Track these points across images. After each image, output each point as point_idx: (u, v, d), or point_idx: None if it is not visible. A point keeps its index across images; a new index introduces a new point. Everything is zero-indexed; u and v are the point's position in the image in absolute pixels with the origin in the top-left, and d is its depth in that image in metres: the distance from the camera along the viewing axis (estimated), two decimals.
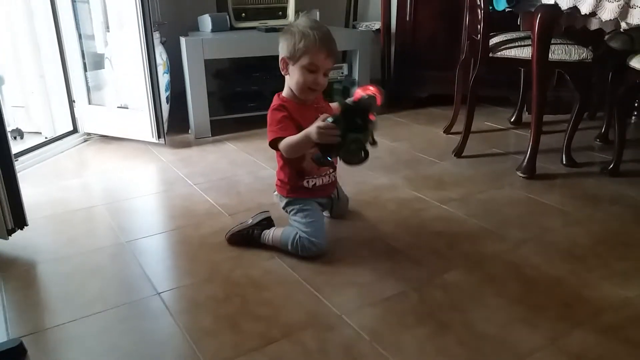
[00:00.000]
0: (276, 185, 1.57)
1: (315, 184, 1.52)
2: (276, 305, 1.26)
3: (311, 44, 1.37)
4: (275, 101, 1.48)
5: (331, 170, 1.56)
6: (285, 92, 1.49)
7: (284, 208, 1.56)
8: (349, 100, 1.29)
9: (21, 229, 1.54)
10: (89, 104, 2.49)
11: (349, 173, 2.08)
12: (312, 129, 1.30)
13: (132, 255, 1.50)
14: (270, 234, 1.51)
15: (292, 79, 1.44)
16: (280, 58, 1.45)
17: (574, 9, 1.73)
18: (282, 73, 1.47)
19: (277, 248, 1.49)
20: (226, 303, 1.27)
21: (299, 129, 1.39)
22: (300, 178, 1.50)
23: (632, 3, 1.58)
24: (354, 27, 3.29)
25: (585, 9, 1.68)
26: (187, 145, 2.46)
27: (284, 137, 1.39)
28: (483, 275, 1.38)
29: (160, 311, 1.25)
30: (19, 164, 2.08)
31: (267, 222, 1.55)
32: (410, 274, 1.36)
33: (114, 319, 1.22)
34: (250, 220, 1.56)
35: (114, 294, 1.32)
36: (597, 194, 1.89)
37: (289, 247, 1.46)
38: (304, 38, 1.37)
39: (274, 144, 1.43)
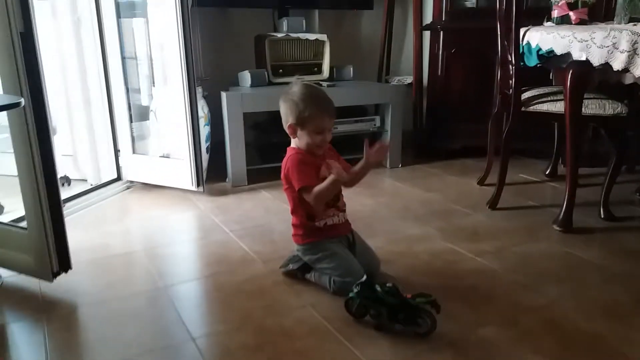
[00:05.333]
0: (292, 235, 1.65)
1: (326, 223, 1.60)
2: (307, 355, 1.26)
3: (315, 110, 1.52)
4: (292, 151, 1.59)
5: (339, 212, 1.63)
6: (295, 145, 1.61)
7: (307, 260, 1.61)
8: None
9: (65, 272, 1.60)
10: (133, 153, 2.61)
11: (380, 222, 2.11)
12: (335, 175, 1.45)
13: (169, 300, 1.53)
14: (313, 275, 1.61)
15: (301, 141, 1.57)
16: (287, 124, 1.57)
17: (606, 65, 1.75)
18: (291, 137, 1.60)
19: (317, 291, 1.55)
20: (258, 352, 1.28)
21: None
22: (311, 219, 1.59)
23: None
24: (386, 81, 3.38)
25: (617, 66, 1.70)
26: (224, 193, 2.54)
27: (312, 186, 1.50)
28: (519, 331, 1.36)
29: (193, 356, 1.26)
30: (65, 210, 2.17)
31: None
32: (445, 328, 1.34)
33: None
34: (291, 266, 1.65)
35: (150, 337, 1.35)
36: (636, 250, 1.84)
37: (331, 290, 1.54)
38: (308, 106, 1.51)
39: (302, 191, 1.52)
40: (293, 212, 1.63)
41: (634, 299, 1.51)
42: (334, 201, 1.61)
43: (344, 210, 1.65)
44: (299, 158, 1.55)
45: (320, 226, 1.59)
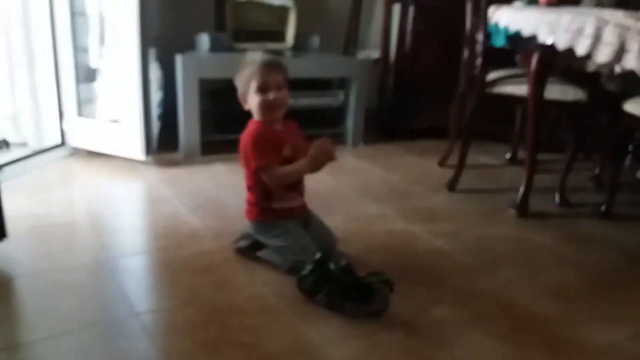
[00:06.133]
0: (245, 211, 1.58)
1: (283, 206, 1.54)
2: (258, 332, 1.22)
3: (254, 68, 1.47)
4: (252, 125, 1.52)
5: (298, 196, 1.58)
6: (255, 115, 1.53)
7: (259, 237, 1.55)
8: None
9: (0, 241, 1.49)
10: (79, 115, 2.46)
11: (340, 200, 2.07)
12: (308, 159, 1.42)
13: (112, 274, 1.45)
14: (265, 253, 1.55)
15: (253, 107, 1.50)
16: (238, 95, 1.53)
17: (571, 50, 1.74)
18: (245, 108, 1.54)
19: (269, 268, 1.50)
20: (206, 328, 1.23)
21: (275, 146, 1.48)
22: (268, 200, 1.52)
23: (626, 47, 1.59)
24: (353, 54, 3.30)
25: (581, 50, 1.69)
26: (175, 164, 2.42)
27: (271, 164, 1.44)
28: (471, 311, 1.35)
29: (137, 333, 1.20)
30: (2, 175, 2.03)
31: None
32: (398, 308, 1.32)
33: (89, 338, 1.18)
34: (242, 242, 1.59)
35: (92, 312, 1.27)
36: (589, 236, 1.87)
37: (283, 269, 1.48)
38: (247, 67, 1.48)
39: (259, 170, 1.46)
40: (250, 188, 1.55)
41: (583, 282, 1.54)
42: (296, 184, 1.55)
43: (303, 194, 1.60)
44: (259, 133, 1.48)
45: (277, 207, 1.53)
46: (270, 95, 1.46)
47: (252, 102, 1.49)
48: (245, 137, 1.50)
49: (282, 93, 1.49)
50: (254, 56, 1.51)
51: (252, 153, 1.46)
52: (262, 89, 1.46)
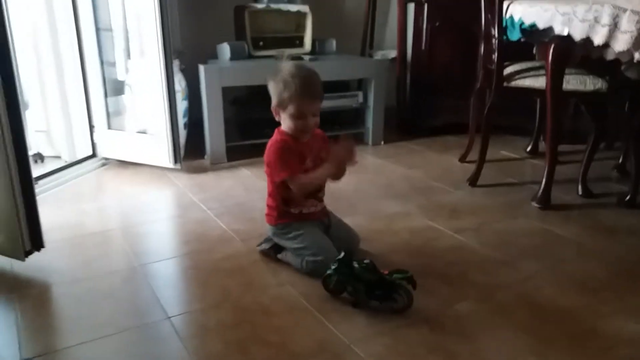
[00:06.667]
0: (265, 215, 1.62)
1: (301, 211, 1.58)
2: (285, 332, 1.26)
3: (293, 93, 1.44)
4: (276, 136, 1.54)
5: (317, 202, 1.61)
6: (283, 127, 1.55)
7: (278, 240, 1.60)
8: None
9: (38, 251, 1.57)
10: (108, 128, 2.55)
11: (362, 200, 2.10)
12: (327, 166, 1.45)
13: (145, 279, 1.51)
14: (285, 256, 1.59)
15: (284, 124, 1.52)
16: (272, 106, 1.52)
17: (588, 40, 1.73)
18: (276, 119, 1.55)
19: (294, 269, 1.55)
20: (236, 329, 1.27)
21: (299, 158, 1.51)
22: (287, 205, 1.56)
23: None
24: (370, 55, 3.33)
25: (598, 40, 1.69)
26: (202, 170, 2.50)
27: (295, 175, 1.47)
28: (494, 305, 1.37)
29: (169, 335, 1.25)
30: (38, 187, 2.13)
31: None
32: (422, 304, 1.34)
33: (124, 342, 1.23)
34: (264, 245, 1.64)
35: (125, 317, 1.33)
36: (613, 226, 1.86)
37: (303, 271, 1.52)
38: (287, 87, 1.44)
39: (287, 180, 1.49)
40: (270, 194, 1.60)
41: (607, 274, 1.53)
42: (315, 191, 1.58)
43: (322, 200, 1.63)
44: (282, 146, 1.49)
45: (295, 212, 1.57)
46: (309, 122, 1.49)
47: (285, 121, 1.50)
48: (270, 147, 1.52)
49: (317, 117, 1.51)
50: (291, 69, 1.47)
51: (276, 165, 1.49)
52: (299, 117, 1.47)
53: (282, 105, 1.48)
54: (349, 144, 1.45)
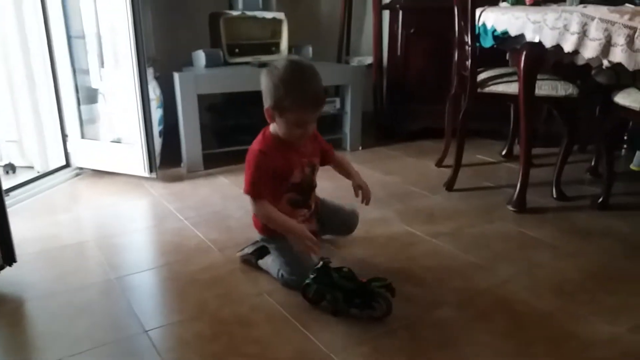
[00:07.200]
0: (253, 217, 1.57)
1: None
2: (264, 343, 1.25)
3: (298, 101, 1.33)
4: (257, 145, 1.45)
5: (305, 211, 1.58)
6: (272, 130, 1.47)
7: (266, 244, 1.58)
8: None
9: (10, 266, 1.53)
10: (82, 137, 2.51)
11: None
12: (299, 231, 1.40)
13: (121, 292, 1.49)
14: (265, 263, 1.57)
15: (279, 128, 1.41)
16: (265, 107, 1.40)
17: (558, 47, 1.77)
18: (268, 121, 1.44)
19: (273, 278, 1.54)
20: (214, 341, 1.26)
21: (274, 176, 1.43)
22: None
23: (612, 41, 1.62)
24: (346, 62, 3.35)
25: (568, 48, 1.72)
26: (179, 179, 2.47)
27: (262, 198, 1.42)
28: (473, 311, 1.38)
29: (147, 349, 1.23)
30: (9, 199, 2.08)
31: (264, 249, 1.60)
32: (401, 311, 1.35)
33: (101, 357, 1.21)
34: (246, 249, 1.63)
35: (102, 331, 1.30)
36: (587, 228, 1.90)
37: (276, 278, 1.52)
38: (290, 94, 1.32)
39: (250, 196, 1.44)
40: None
41: (582, 276, 1.56)
42: (304, 201, 1.55)
43: (311, 206, 1.60)
44: (260, 165, 1.39)
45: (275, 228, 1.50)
46: (308, 131, 1.41)
47: (280, 125, 1.39)
48: (250, 157, 1.43)
49: (313, 125, 1.43)
50: (293, 69, 1.34)
51: (249, 175, 1.42)
52: (299, 125, 1.38)
53: (279, 110, 1.36)
54: (310, 239, 1.41)
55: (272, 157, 1.43)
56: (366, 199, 1.61)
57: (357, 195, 1.58)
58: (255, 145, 1.45)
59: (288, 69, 1.35)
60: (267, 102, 1.39)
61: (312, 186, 1.58)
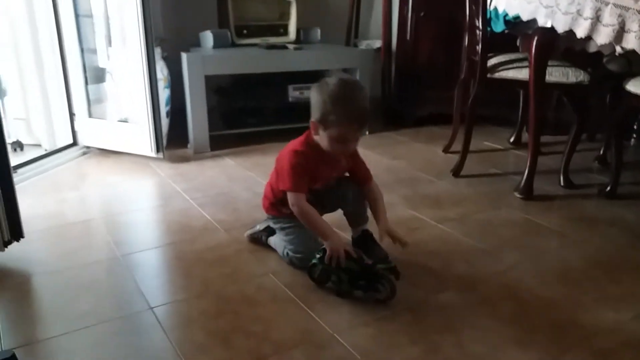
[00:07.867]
0: (262, 200, 1.60)
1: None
2: (268, 322, 1.26)
3: (343, 118, 1.35)
4: (298, 145, 1.46)
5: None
6: (317, 141, 1.45)
7: (272, 225, 1.59)
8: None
9: (17, 241, 1.54)
10: (89, 117, 2.51)
11: None
12: (334, 241, 1.36)
13: (127, 270, 1.50)
14: (273, 241, 1.59)
15: (321, 141, 1.43)
16: (311, 119, 1.42)
17: (570, 33, 1.74)
18: (312, 133, 1.45)
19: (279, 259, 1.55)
20: (219, 319, 1.27)
21: (311, 177, 1.45)
22: (282, 205, 1.50)
23: (626, 27, 1.59)
24: (355, 45, 3.32)
25: (580, 33, 1.70)
26: (185, 160, 2.47)
27: (301, 194, 1.42)
28: (477, 296, 1.38)
29: (152, 326, 1.24)
30: (17, 176, 2.09)
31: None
32: (405, 294, 1.35)
33: (106, 333, 1.22)
34: (258, 227, 1.64)
35: (107, 307, 1.31)
36: (594, 217, 1.89)
37: (282, 257, 1.54)
38: (335, 109, 1.35)
39: (288, 192, 1.44)
40: (272, 187, 1.54)
41: (589, 264, 1.56)
42: (317, 203, 1.51)
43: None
44: (299, 161, 1.42)
45: (288, 212, 1.49)
46: (348, 147, 1.43)
47: (323, 140, 1.41)
48: (288, 154, 1.46)
49: (356, 143, 1.45)
50: (342, 87, 1.37)
51: (287, 175, 1.43)
52: (341, 142, 1.40)
53: (324, 124, 1.38)
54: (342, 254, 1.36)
55: (308, 161, 1.45)
56: (401, 244, 1.47)
57: (381, 242, 1.49)
58: (297, 145, 1.47)
59: (338, 86, 1.38)
60: (314, 115, 1.41)
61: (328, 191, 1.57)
